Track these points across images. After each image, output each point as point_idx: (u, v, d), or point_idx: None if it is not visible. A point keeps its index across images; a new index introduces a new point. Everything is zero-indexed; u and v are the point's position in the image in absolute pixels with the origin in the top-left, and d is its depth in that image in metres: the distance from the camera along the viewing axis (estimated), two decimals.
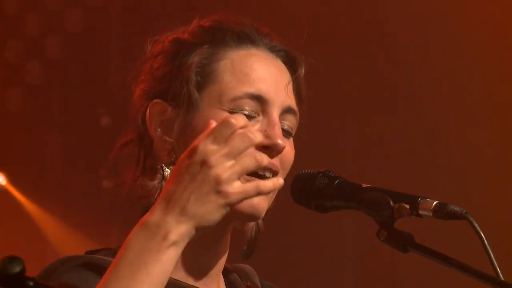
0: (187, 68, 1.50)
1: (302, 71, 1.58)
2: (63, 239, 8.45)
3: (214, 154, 1.25)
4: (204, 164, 1.25)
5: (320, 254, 7.30)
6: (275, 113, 1.49)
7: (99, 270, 1.39)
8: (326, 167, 1.53)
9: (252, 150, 1.28)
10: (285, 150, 1.48)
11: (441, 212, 1.33)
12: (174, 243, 1.25)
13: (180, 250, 1.27)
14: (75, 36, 10.15)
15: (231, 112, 1.46)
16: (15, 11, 9.67)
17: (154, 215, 1.27)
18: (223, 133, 1.26)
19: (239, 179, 1.27)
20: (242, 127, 1.27)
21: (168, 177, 1.33)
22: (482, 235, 1.30)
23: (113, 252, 1.48)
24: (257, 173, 1.42)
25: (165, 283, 1.26)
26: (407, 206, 1.35)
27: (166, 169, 1.49)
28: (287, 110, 1.52)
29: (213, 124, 1.29)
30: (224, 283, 1.59)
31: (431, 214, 1.34)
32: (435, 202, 1.34)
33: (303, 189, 1.48)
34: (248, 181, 1.40)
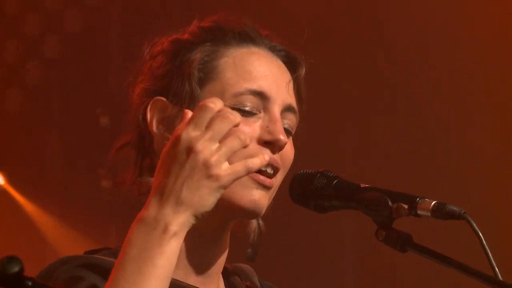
0: (188, 65, 1.51)
1: (302, 71, 1.59)
2: (62, 239, 8.45)
3: (198, 140, 1.27)
4: (190, 151, 1.27)
5: (320, 254, 7.29)
6: (276, 109, 1.50)
7: (100, 270, 1.40)
8: (325, 167, 1.53)
9: (234, 129, 1.29)
10: (285, 148, 1.49)
11: (439, 212, 1.33)
12: (175, 234, 1.27)
13: (181, 240, 1.28)
14: (75, 36, 10.15)
15: (233, 108, 1.47)
16: (15, 11, 9.66)
17: (150, 210, 1.28)
18: (203, 118, 1.28)
19: (226, 160, 1.28)
20: (220, 110, 1.28)
21: (155, 172, 1.33)
22: (481, 235, 1.30)
23: (112, 252, 1.48)
24: (259, 169, 1.43)
25: (171, 275, 1.28)
26: (406, 206, 1.35)
27: None
28: (287, 108, 1.53)
29: (189, 113, 1.31)
30: (223, 283, 1.59)
31: (429, 214, 1.34)
32: (433, 202, 1.34)
33: (301, 189, 1.49)
34: (250, 177, 1.42)
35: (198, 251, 1.49)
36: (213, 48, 1.54)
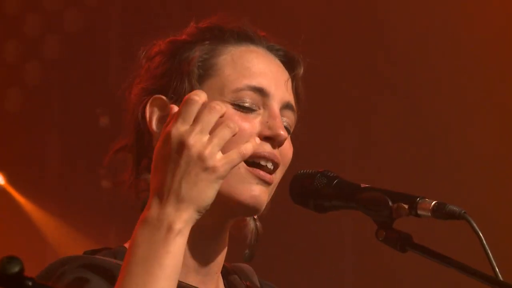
0: (187, 63, 1.52)
1: (300, 70, 1.60)
2: (62, 239, 8.45)
3: (189, 134, 1.27)
4: (183, 146, 1.27)
5: (320, 254, 7.30)
6: (275, 106, 1.50)
7: (100, 270, 1.40)
8: (325, 167, 1.53)
9: (222, 119, 1.31)
10: (284, 145, 1.49)
11: (439, 212, 1.33)
12: (179, 232, 1.27)
13: (186, 237, 1.28)
14: (75, 36, 10.15)
15: (233, 103, 1.47)
16: (15, 11, 9.66)
17: (152, 210, 1.29)
18: (190, 112, 1.29)
19: (220, 150, 1.29)
20: (205, 102, 1.30)
21: (151, 169, 1.34)
22: (481, 235, 1.30)
23: (112, 252, 1.48)
24: (258, 164, 1.45)
25: (179, 273, 1.28)
26: (406, 206, 1.35)
27: None
28: (286, 106, 1.53)
29: (175, 108, 1.32)
30: (222, 282, 1.59)
31: (429, 214, 1.34)
32: (433, 202, 1.34)
33: (301, 189, 1.49)
34: (250, 172, 1.42)
35: (197, 250, 1.49)
36: (212, 47, 1.55)
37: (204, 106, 1.30)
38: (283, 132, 1.47)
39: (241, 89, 1.49)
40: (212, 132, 1.29)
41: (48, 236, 8.79)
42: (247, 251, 1.59)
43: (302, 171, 1.50)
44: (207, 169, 1.27)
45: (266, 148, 1.46)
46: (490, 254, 1.30)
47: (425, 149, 7.73)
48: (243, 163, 1.41)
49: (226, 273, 1.62)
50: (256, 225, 1.59)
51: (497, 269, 1.30)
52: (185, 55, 1.53)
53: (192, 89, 1.49)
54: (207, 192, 1.28)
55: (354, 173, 10.44)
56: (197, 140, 1.27)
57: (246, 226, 1.59)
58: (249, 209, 1.48)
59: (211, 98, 1.48)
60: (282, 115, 1.52)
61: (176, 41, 1.57)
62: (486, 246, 1.30)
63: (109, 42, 10.82)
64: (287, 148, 1.52)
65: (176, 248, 1.27)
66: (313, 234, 6.95)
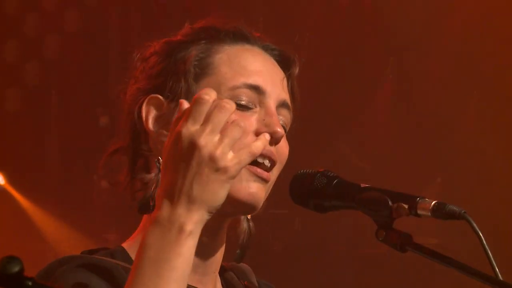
0: (183, 62, 1.52)
1: (295, 69, 1.60)
2: (61, 239, 8.45)
3: (200, 135, 1.26)
4: (194, 147, 1.26)
5: (319, 254, 7.32)
6: (272, 103, 1.51)
7: (99, 270, 1.40)
8: (324, 167, 1.53)
9: (233, 117, 1.29)
10: (280, 143, 1.49)
11: (439, 212, 1.32)
12: (190, 233, 1.26)
13: (197, 237, 1.28)
14: (74, 36, 10.15)
15: None
16: (15, 11, 9.68)
17: (163, 211, 1.28)
18: (200, 111, 1.28)
19: (230, 150, 1.28)
20: (215, 100, 1.28)
21: (161, 169, 1.33)
22: (481, 235, 1.30)
23: (109, 252, 1.48)
24: (256, 161, 1.44)
25: (189, 274, 1.27)
26: (406, 206, 1.35)
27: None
28: (282, 104, 1.54)
29: (184, 104, 1.31)
30: (220, 282, 1.59)
31: (429, 214, 1.33)
32: (433, 202, 1.33)
33: (301, 189, 1.48)
34: (247, 169, 1.42)
35: (195, 249, 1.49)
36: (208, 46, 1.55)
37: (214, 105, 1.28)
38: (280, 129, 1.47)
39: (238, 87, 1.49)
40: (223, 131, 1.28)
41: (48, 235, 8.80)
42: (238, 251, 1.59)
43: (302, 171, 1.50)
44: (218, 169, 1.26)
45: None
46: (490, 254, 1.30)
47: (425, 149, 7.79)
48: None
49: (223, 272, 1.62)
50: (249, 225, 1.59)
51: (497, 269, 1.30)
52: (181, 55, 1.54)
53: (188, 88, 1.50)
54: (218, 193, 1.28)
55: (354, 173, 10.41)
56: (208, 141, 1.26)
57: (239, 226, 1.59)
58: (247, 206, 1.48)
59: None
60: (278, 113, 1.52)
61: (171, 41, 1.57)
62: (486, 246, 1.30)
63: (108, 42, 10.81)
64: (284, 146, 1.52)
65: (187, 250, 1.26)
66: (313, 233, 6.98)
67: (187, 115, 1.28)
